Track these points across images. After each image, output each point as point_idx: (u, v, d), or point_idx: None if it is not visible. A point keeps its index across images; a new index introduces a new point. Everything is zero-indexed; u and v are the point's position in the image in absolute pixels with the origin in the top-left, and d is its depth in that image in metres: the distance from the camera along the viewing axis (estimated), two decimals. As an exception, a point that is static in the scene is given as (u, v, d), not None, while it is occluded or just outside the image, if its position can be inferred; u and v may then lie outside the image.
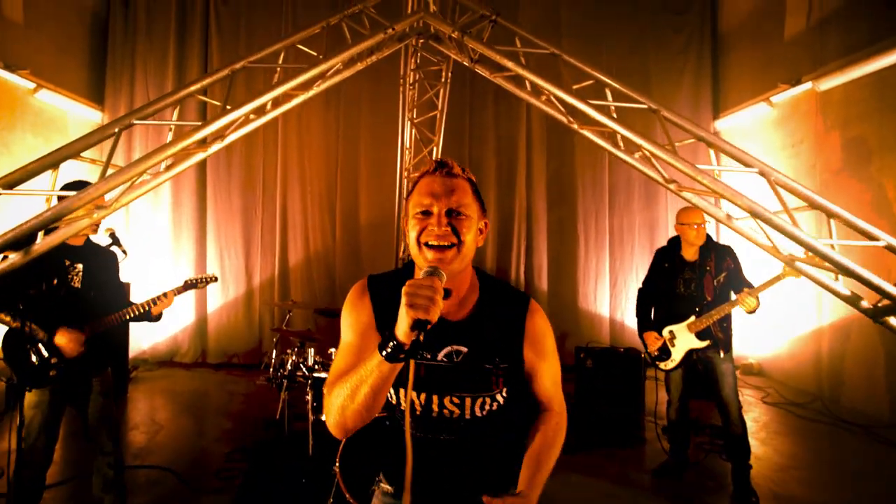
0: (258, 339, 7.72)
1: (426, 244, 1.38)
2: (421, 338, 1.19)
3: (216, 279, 3.88)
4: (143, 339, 7.48)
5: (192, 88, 2.95)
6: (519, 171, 7.97)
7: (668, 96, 7.94)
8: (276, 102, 3.20)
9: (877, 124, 5.68)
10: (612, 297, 8.14)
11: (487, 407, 1.49)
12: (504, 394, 1.52)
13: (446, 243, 1.36)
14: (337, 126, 7.81)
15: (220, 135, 2.97)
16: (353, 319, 1.51)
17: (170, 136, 2.95)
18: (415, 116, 5.85)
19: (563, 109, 3.33)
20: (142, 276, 7.04)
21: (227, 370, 7.43)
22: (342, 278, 7.65)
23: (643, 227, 8.18)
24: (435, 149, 6.26)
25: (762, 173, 2.91)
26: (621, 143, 3.29)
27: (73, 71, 7.14)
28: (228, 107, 2.92)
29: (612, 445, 4.89)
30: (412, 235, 1.41)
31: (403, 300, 1.20)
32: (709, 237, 4.05)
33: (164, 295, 3.40)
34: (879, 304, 2.78)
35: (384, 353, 1.22)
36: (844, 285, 2.86)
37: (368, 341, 1.44)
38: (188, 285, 3.64)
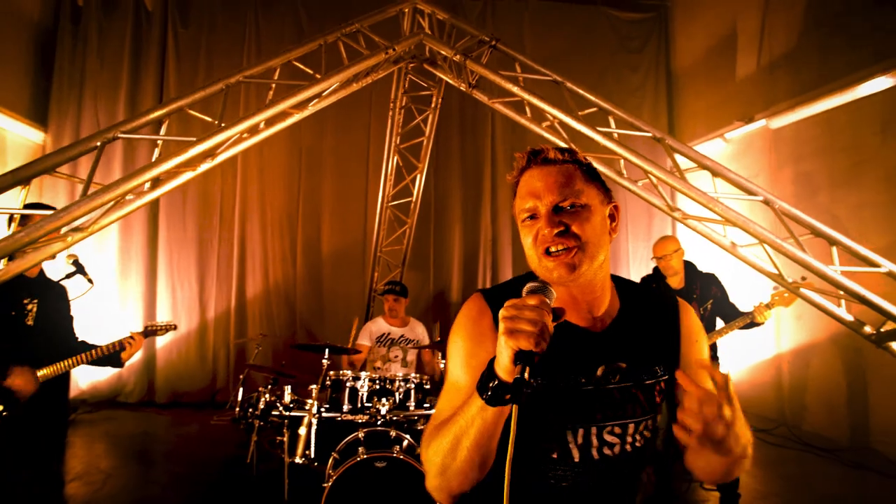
0: (211, 375, 7.24)
1: (546, 252, 1.15)
2: (526, 375, 0.94)
3: (175, 327, 3.56)
4: (81, 377, 6.85)
5: (184, 102, 2.74)
6: (484, 202, 7.97)
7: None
8: (270, 122, 3.01)
9: (829, 160, 6.02)
10: (575, 326, 8.18)
11: (647, 433, 1.25)
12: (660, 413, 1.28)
13: (562, 247, 1.14)
14: (299, 152, 7.58)
15: (210, 153, 2.74)
16: (466, 351, 1.21)
17: (156, 153, 2.70)
18: (399, 143, 5.74)
19: (565, 136, 3.31)
20: (85, 309, 6.49)
21: (176, 410, 6.90)
22: (303, 311, 7.34)
23: (605, 257, 8.32)
24: (419, 176, 6.15)
25: (766, 202, 2.96)
26: (624, 171, 3.29)
27: (12, 87, 6.61)
28: (223, 124, 2.71)
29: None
30: (527, 244, 1.20)
31: (501, 327, 0.97)
32: (692, 265, 4.09)
33: (132, 338, 3.07)
34: (882, 330, 2.85)
35: (485, 396, 1.00)
36: (847, 311, 2.92)
37: None
38: (147, 332, 3.33)
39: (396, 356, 5.07)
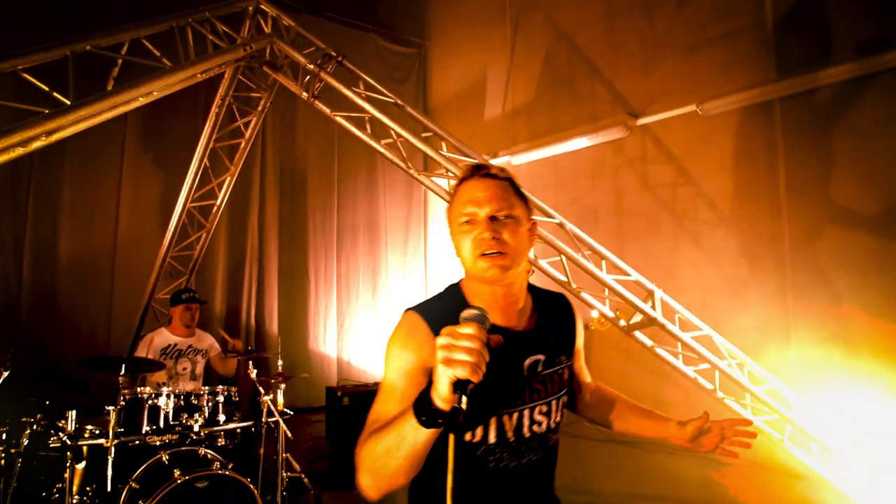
0: None
1: (482, 254, 1.28)
2: (463, 404, 0.98)
3: None
4: None
5: (19, 63, 2.25)
6: (251, 212, 7.70)
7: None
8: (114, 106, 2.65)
9: (554, 195, 7.50)
10: (339, 338, 8.42)
11: (562, 408, 1.46)
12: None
13: (496, 250, 1.27)
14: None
15: (52, 131, 2.33)
16: (402, 359, 1.28)
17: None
18: (212, 143, 5.24)
19: (403, 155, 3.63)
20: None
21: None
22: (29, 325, 6.04)
23: (367, 270, 8.76)
24: (229, 179, 5.65)
25: (561, 224, 3.75)
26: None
27: None
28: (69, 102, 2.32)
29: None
30: (464, 248, 1.32)
31: (439, 356, 1.01)
32: None
33: None
34: (631, 322, 3.86)
35: (421, 419, 1.04)
36: (610, 309, 3.87)
37: (420, 387, 1.15)
38: None
39: (185, 369, 4.65)
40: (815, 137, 5.26)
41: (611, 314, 3.85)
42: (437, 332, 1.18)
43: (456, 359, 0.98)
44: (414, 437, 1.05)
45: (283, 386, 4.43)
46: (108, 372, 3.71)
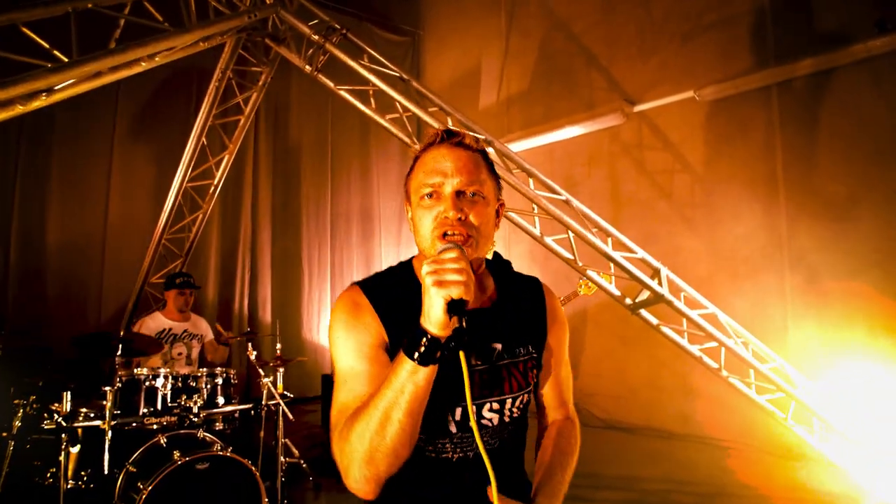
0: None
1: (443, 235, 1.13)
2: (464, 323, 0.95)
3: None
4: None
5: (20, 17, 2.16)
6: (244, 200, 7.59)
7: (384, 141, 8.81)
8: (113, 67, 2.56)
9: (550, 183, 7.49)
10: (333, 328, 8.32)
11: (522, 404, 1.28)
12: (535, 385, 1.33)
13: (458, 233, 1.13)
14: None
15: (53, 88, 2.24)
16: (353, 340, 1.16)
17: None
18: (210, 120, 5.11)
19: (409, 130, 3.58)
20: None
21: None
22: (17, 310, 5.87)
23: (360, 260, 8.69)
24: (227, 157, 5.53)
25: (567, 201, 3.72)
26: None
27: None
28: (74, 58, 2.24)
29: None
30: (423, 224, 1.16)
31: (427, 282, 0.96)
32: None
33: None
34: (637, 300, 3.84)
35: (416, 355, 0.97)
36: (616, 288, 3.84)
37: (383, 364, 1.11)
38: None
39: (180, 354, 4.56)
40: (812, 122, 5.29)
41: (616, 293, 3.83)
42: (380, 312, 1.17)
43: (448, 279, 0.95)
44: (414, 384, 0.98)
45: (281, 370, 4.37)
46: (102, 351, 3.61)
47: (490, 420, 1.22)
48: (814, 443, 3.99)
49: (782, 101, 5.47)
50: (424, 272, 0.97)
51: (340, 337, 1.17)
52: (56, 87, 2.24)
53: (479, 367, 1.21)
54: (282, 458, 4.05)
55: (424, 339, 0.96)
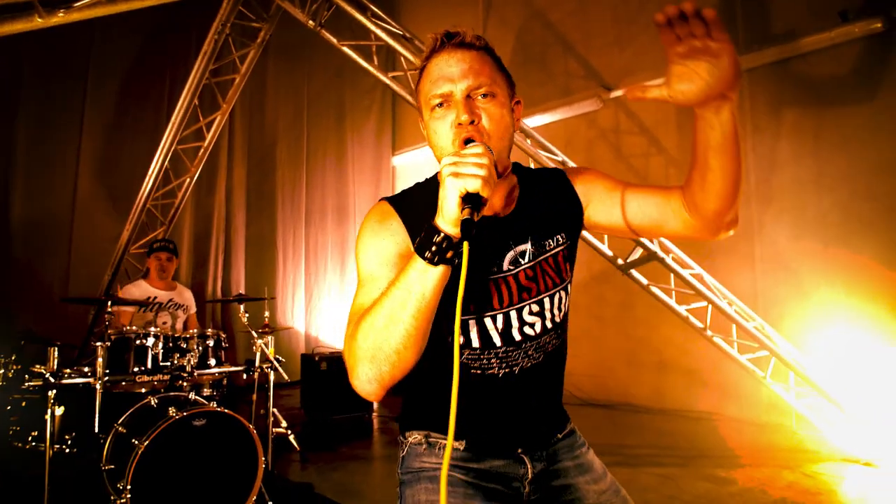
0: None
1: (465, 141, 1.07)
2: (476, 216, 0.88)
3: None
4: None
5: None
6: (219, 181, 7.44)
7: (359, 128, 8.81)
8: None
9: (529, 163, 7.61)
10: (307, 312, 8.23)
11: (563, 304, 1.25)
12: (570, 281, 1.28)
13: (475, 138, 1.07)
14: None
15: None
16: (377, 248, 1.14)
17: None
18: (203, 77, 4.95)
19: (412, 89, 3.60)
20: None
21: None
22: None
23: (336, 243, 8.63)
24: (219, 117, 5.39)
25: (563, 163, 3.81)
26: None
27: None
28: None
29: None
30: (441, 136, 1.12)
31: (446, 172, 0.92)
32: None
33: None
34: (628, 260, 3.95)
35: (427, 254, 0.92)
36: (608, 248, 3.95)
37: None
38: None
39: (165, 322, 4.43)
40: (778, 107, 5.56)
41: (609, 253, 3.94)
42: (408, 224, 1.15)
43: (465, 171, 0.90)
44: (422, 284, 0.93)
45: (269, 338, 4.30)
46: (92, 304, 3.49)
47: (532, 326, 1.20)
48: (790, 400, 4.18)
49: (753, 87, 5.74)
50: (444, 164, 0.94)
51: (365, 244, 1.15)
52: (74, 5, 2.19)
53: (512, 272, 1.18)
54: (272, 429, 3.97)
55: (436, 237, 0.91)
